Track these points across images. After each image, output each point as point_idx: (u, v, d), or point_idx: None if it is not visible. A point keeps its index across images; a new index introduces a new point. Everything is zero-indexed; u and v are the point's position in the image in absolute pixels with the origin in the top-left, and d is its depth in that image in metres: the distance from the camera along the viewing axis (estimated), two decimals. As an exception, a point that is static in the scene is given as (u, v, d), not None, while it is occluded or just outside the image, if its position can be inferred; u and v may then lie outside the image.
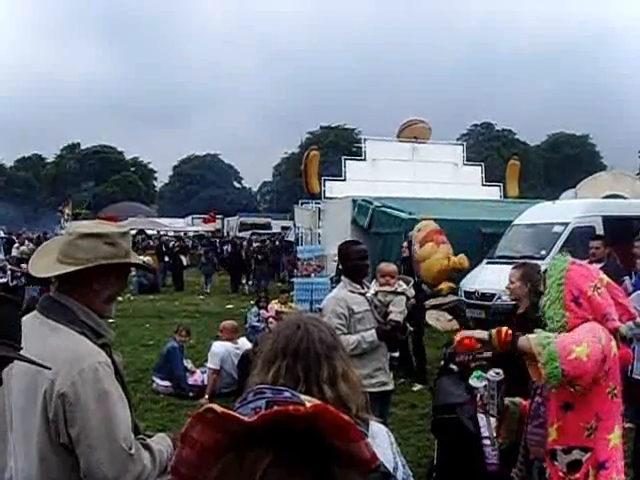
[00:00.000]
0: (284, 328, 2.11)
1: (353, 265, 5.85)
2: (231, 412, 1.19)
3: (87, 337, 2.58)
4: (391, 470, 2.03)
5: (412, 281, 6.36)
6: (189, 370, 10.26)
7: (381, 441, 2.08)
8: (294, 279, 18.81)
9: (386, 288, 5.93)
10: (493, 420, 4.36)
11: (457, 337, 3.61)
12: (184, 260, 25.73)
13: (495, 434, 4.31)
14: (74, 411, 2.42)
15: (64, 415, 2.43)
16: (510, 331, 3.37)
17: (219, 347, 9.77)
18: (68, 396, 2.42)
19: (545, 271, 3.66)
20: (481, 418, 4.43)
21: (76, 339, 2.56)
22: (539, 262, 13.42)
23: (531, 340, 3.21)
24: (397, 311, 5.82)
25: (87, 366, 2.47)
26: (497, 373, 4.18)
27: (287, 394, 1.27)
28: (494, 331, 3.41)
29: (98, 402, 2.45)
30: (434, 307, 15.69)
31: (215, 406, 1.20)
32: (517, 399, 3.97)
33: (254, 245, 29.55)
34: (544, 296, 3.48)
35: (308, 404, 1.23)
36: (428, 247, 13.62)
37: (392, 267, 6.24)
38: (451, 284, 14.11)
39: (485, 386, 4.28)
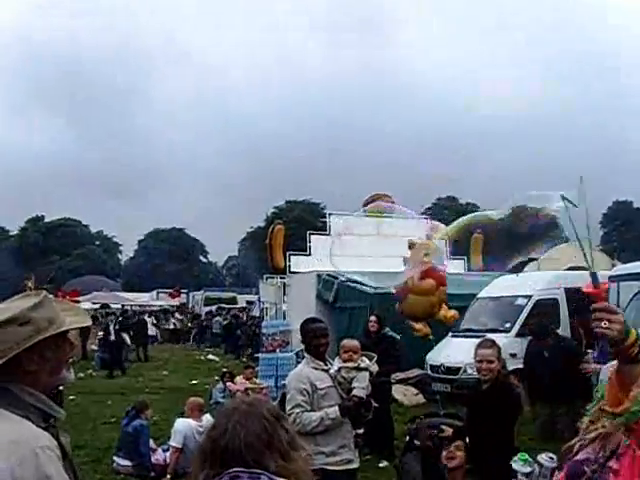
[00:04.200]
0: (212, 428, 2.08)
1: (312, 343, 5.87)
2: None
3: (31, 420, 2.48)
4: None
5: (375, 357, 6.34)
6: (152, 448, 10.06)
7: None
8: (259, 354, 18.65)
9: (349, 364, 5.92)
10: None
11: None
12: (127, 339, 25.16)
13: None
14: None
15: None
16: None
17: (182, 424, 9.60)
18: None
19: None
20: None
21: (17, 423, 2.45)
22: (504, 335, 13.68)
23: None
24: (360, 387, 5.80)
25: (27, 451, 2.36)
26: (551, 458, 3.67)
27: (264, 478, 1.25)
28: None
29: None
30: (400, 381, 15.63)
31: None
32: None
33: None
34: None
35: None
36: (428, 284, 12.27)
37: (354, 343, 6.23)
38: (428, 330, 12.75)
39: (531, 472, 3.81)
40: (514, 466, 3.87)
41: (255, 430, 1.99)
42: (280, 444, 2.01)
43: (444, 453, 5.54)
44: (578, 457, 3.19)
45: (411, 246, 11.05)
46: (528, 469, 3.78)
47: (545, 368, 10.09)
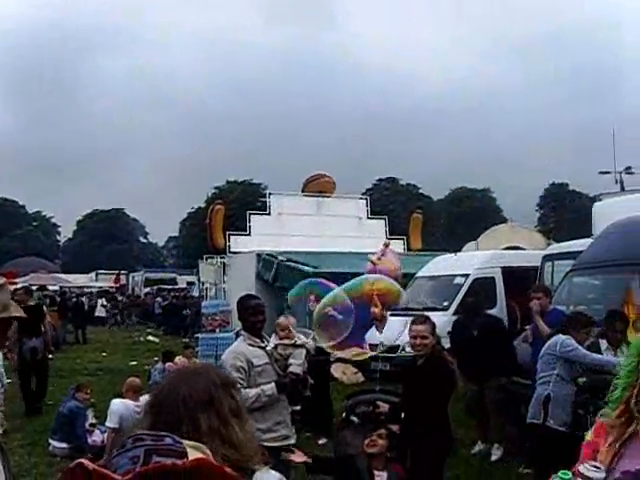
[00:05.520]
0: (159, 385, 2.09)
1: (248, 320, 5.87)
2: (102, 470, 1.14)
3: None
4: None
5: (312, 334, 6.39)
6: (88, 430, 9.96)
7: None
8: (199, 334, 18.60)
9: (285, 341, 5.95)
10: None
11: None
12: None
13: None
14: None
15: None
16: None
17: (118, 405, 9.49)
18: None
19: None
20: None
21: None
22: (442, 313, 13.86)
23: None
24: (297, 363, 5.84)
25: None
26: (596, 467, 2.88)
27: (169, 440, 1.22)
28: None
29: None
30: (339, 360, 15.72)
31: (85, 462, 1.15)
32: None
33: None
34: None
35: (190, 454, 1.20)
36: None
37: (291, 320, 6.27)
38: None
39: None
40: None
41: (197, 388, 1.99)
42: (221, 407, 1.99)
43: (366, 441, 5.58)
44: (629, 468, 2.82)
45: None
46: None
47: (473, 346, 10.19)
